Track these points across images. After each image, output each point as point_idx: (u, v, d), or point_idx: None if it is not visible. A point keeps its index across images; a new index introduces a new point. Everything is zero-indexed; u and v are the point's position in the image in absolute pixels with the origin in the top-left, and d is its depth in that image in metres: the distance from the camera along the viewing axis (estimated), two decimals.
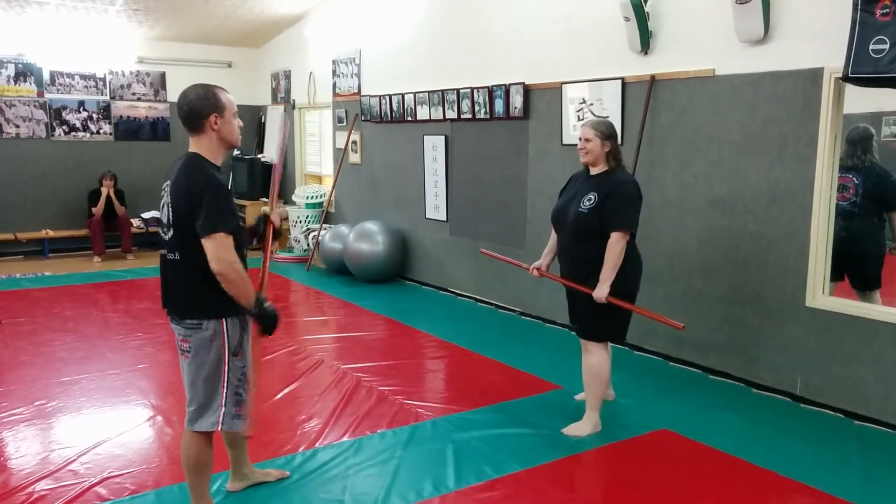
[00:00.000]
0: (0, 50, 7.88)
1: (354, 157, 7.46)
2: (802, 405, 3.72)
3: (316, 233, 7.48)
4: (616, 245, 3.14)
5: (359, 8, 7.18)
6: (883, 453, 3.18)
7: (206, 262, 2.26)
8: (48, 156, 8.28)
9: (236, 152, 9.35)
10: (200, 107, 2.33)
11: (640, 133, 4.39)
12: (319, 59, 7.98)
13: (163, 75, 8.88)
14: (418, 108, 6.33)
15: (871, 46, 3.05)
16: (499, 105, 5.47)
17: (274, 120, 9.16)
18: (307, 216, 7.93)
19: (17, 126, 8.09)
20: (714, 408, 3.69)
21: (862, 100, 3.59)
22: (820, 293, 3.64)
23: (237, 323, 2.39)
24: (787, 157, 3.70)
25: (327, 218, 7.80)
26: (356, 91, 7.31)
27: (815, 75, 3.54)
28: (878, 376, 3.44)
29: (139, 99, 8.77)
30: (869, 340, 3.47)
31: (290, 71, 8.71)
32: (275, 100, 9.09)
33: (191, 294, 2.33)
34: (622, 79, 4.49)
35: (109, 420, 3.50)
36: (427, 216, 6.47)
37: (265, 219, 2.74)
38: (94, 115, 8.53)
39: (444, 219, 6.27)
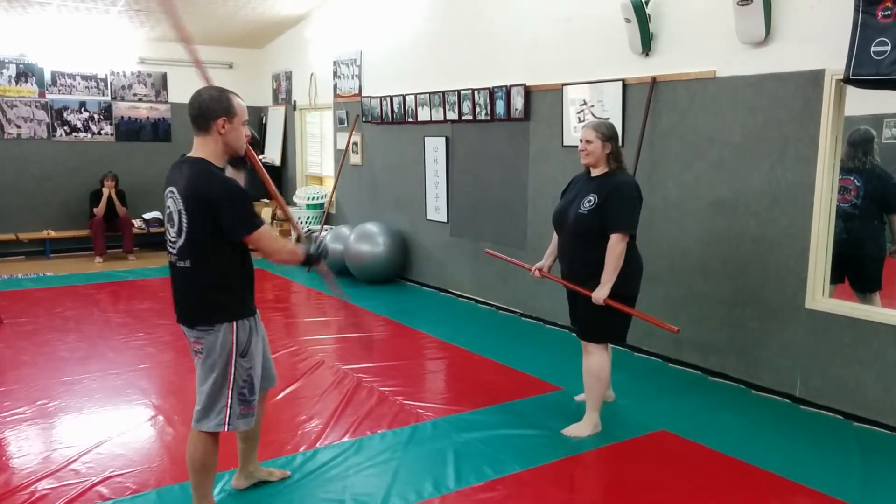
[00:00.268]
0: (1, 50, 7.90)
1: (355, 159, 7.47)
2: (802, 406, 3.73)
3: (317, 234, 7.49)
4: (616, 247, 3.14)
5: (360, 9, 7.19)
6: (882, 455, 3.18)
7: (216, 267, 2.30)
8: (49, 156, 8.29)
9: None
10: (212, 108, 2.32)
11: (640, 135, 4.40)
12: (320, 60, 7.99)
13: (164, 76, 8.89)
14: (419, 109, 6.34)
15: (873, 48, 3.06)
16: (499, 106, 5.48)
17: (274, 120, 9.17)
18: (308, 217, 7.94)
19: (19, 126, 8.10)
20: (714, 409, 3.70)
21: (863, 102, 3.59)
22: (820, 295, 3.64)
23: (246, 325, 2.42)
24: (788, 158, 3.71)
25: (328, 219, 7.82)
26: (357, 92, 7.32)
27: (816, 77, 3.55)
28: (878, 378, 3.44)
29: (140, 100, 8.79)
30: (869, 342, 3.47)
31: (291, 72, 8.72)
32: (276, 101, 9.10)
33: (202, 301, 2.35)
34: (623, 80, 4.50)
35: (111, 420, 3.51)
36: (428, 217, 6.48)
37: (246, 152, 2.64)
38: (96, 116, 8.54)
39: (445, 220, 6.27)
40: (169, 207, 2.35)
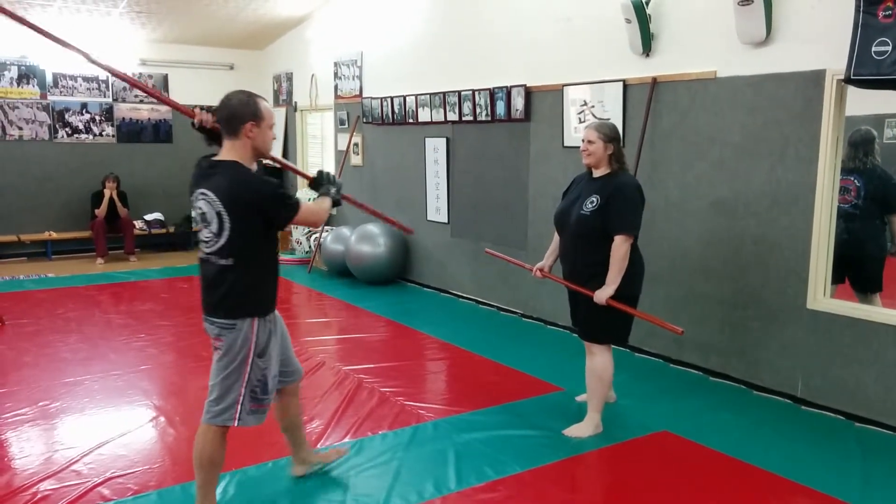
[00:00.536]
0: (3, 52, 7.91)
1: (356, 160, 7.48)
2: (803, 407, 3.72)
3: (317, 235, 7.50)
4: (620, 248, 3.14)
5: (360, 10, 7.20)
6: (883, 455, 3.18)
7: (255, 264, 2.43)
8: (51, 158, 8.30)
9: None
10: (241, 113, 2.40)
11: (641, 135, 4.40)
12: (321, 61, 8.00)
13: (165, 77, 8.90)
14: (420, 110, 6.34)
15: (874, 48, 3.06)
16: (500, 107, 5.48)
17: (276, 121, 9.18)
18: None
19: (20, 128, 8.11)
20: (715, 409, 3.70)
21: (864, 102, 3.59)
22: (821, 295, 3.64)
23: (266, 325, 2.49)
24: (789, 158, 3.71)
25: (329, 220, 7.82)
26: (358, 93, 7.33)
27: (817, 77, 3.54)
28: (879, 378, 3.44)
29: (142, 101, 8.80)
30: (869, 342, 3.47)
31: (291, 73, 8.73)
32: (277, 102, 9.11)
33: (232, 296, 2.42)
34: (623, 81, 4.50)
35: (112, 421, 3.51)
36: (428, 218, 6.48)
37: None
38: (97, 118, 8.55)
39: (446, 221, 6.28)
40: (201, 209, 2.40)
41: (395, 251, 6.61)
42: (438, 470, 2.97)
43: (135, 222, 8.44)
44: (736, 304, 4.01)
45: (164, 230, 8.79)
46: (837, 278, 3.74)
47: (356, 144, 7.44)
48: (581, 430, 3.33)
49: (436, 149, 6.26)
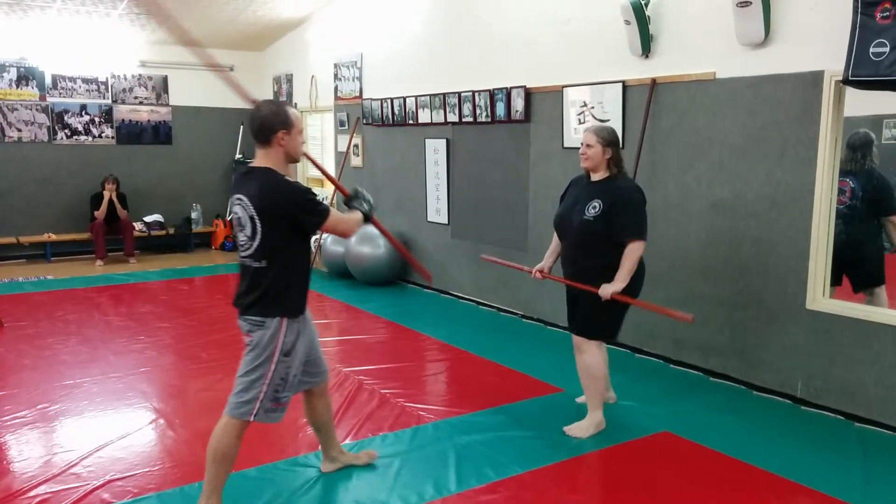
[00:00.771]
0: (2, 54, 7.91)
1: (356, 161, 7.48)
2: (803, 407, 3.72)
3: (318, 236, 7.49)
4: (636, 252, 3.17)
5: (360, 12, 7.20)
6: (883, 455, 3.18)
7: (287, 267, 2.51)
8: (50, 159, 8.30)
9: (238, 155, 9.38)
10: (271, 122, 2.50)
11: (641, 136, 4.40)
12: (321, 62, 8.00)
13: (165, 79, 8.91)
14: (420, 111, 6.35)
15: (872, 49, 3.06)
16: (500, 108, 5.48)
17: None
18: None
19: (20, 130, 8.11)
20: (715, 410, 3.70)
21: (862, 103, 3.59)
22: (820, 295, 3.64)
23: (295, 326, 2.55)
24: (788, 160, 3.71)
25: None
26: (358, 94, 7.33)
27: (815, 78, 3.55)
28: (879, 378, 3.44)
29: (141, 103, 8.80)
30: (869, 342, 3.47)
31: (291, 74, 8.74)
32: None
33: (264, 296, 2.50)
34: (623, 82, 4.50)
35: (112, 423, 3.51)
36: (428, 219, 6.48)
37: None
38: (96, 119, 8.55)
39: (446, 222, 6.28)
40: (237, 213, 2.52)
41: (395, 253, 6.60)
42: (439, 471, 2.97)
43: (134, 224, 8.44)
44: (736, 304, 4.01)
45: (163, 232, 8.79)
46: (835, 280, 3.74)
47: (356, 146, 7.44)
48: (582, 428, 3.33)
49: (436, 150, 6.26)
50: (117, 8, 7.27)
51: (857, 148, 3.79)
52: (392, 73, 6.78)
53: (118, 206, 8.09)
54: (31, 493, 2.79)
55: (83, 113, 8.46)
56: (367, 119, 7.14)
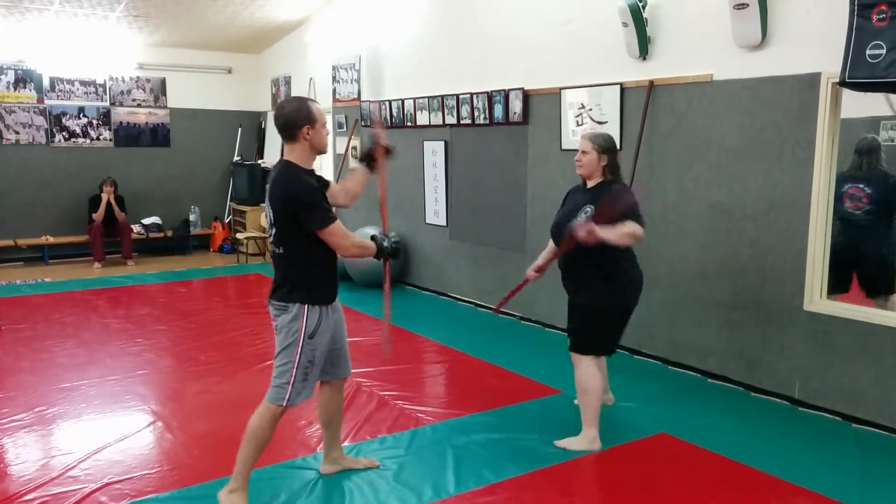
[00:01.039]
0: (0, 56, 7.90)
1: (354, 163, 7.47)
2: (801, 408, 3.73)
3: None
4: (630, 227, 2.99)
5: (359, 14, 7.20)
6: (881, 456, 3.18)
7: (303, 254, 2.59)
8: (48, 162, 8.30)
9: (236, 158, 9.38)
10: (295, 119, 2.58)
11: (638, 138, 4.40)
12: (319, 64, 8.01)
13: (163, 81, 8.91)
14: (418, 113, 6.35)
15: (868, 51, 3.07)
16: (498, 110, 5.49)
17: (273, 125, 9.17)
18: None
19: (17, 132, 8.11)
20: (713, 411, 3.70)
21: (859, 105, 3.60)
22: (818, 297, 3.65)
23: (317, 311, 2.63)
24: (785, 161, 3.72)
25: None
26: (356, 97, 7.33)
27: (812, 80, 3.56)
28: (876, 379, 3.45)
29: (139, 105, 8.80)
30: (866, 343, 3.47)
31: (290, 77, 8.74)
32: (275, 106, 9.12)
33: (286, 280, 2.62)
34: (621, 84, 4.51)
35: (109, 426, 3.50)
36: (427, 221, 6.48)
37: (374, 142, 3.02)
38: (94, 122, 8.55)
39: (444, 224, 6.28)
40: (266, 202, 2.67)
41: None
42: (437, 473, 2.97)
43: (132, 226, 8.43)
44: (733, 306, 4.02)
45: (161, 234, 8.79)
46: (842, 287, 3.72)
47: (354, 148, 7.44)
48: (574, 442, 3.24)
49: (434, 152, 6.27)
50: (115, 10, 7.27)
51: (865, 153, 3.78)
52: (390, 75, 6.78)
53: (116, 208, 8.08)
54: (29, 497, 2.78)
55: (81, 115, 8.46)
56: (366, 121, 7.15)
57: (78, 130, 8.46)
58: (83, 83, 8.43)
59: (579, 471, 3.07)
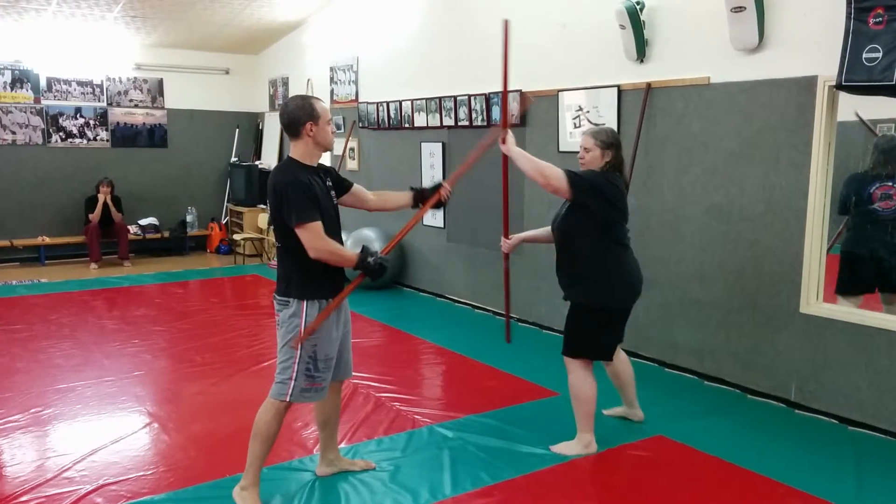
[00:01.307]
0: None
1: (352, 164, 7.48)
2: (797, 411, 3.73)
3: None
4: (545, 164, 3.13)
5: (357, 15, 7.21)
6: (876, 458, 3.19)
7: (299, 248, 2.56)
8: (45, 162, 8.28)
9: (234, 159, 9.37)
10: (298, 116, 2.62)
11: (636, 141, 4.41)
12: (317, 65, 8.01)
13: (160, 82, 8.90)
14: (416, 115, 6.35)
15: (865, 55, 3.08)
16: (496, 112, 5.49)
17: (271, 126, 9.17)
18: None
19: (14, 132, 8.09)
20: (709, 413, 3.70)
21: (856, 107, 3.61)
22: (814, 299, 3.66)
23: (316, 306, 2.63)
24: (782, 164, 3.72)
25: None
26: (354, 98, 7.33)
27: (809, 83, 3.57)
28: (872, 382, 3.45)
29: (136, 105, 8.79)
30: (863, 346, 3.48)
31: (287, 78, 8.73)
32: (272, 107, 9.11)
33: (285, 275, 2.67)
34: (618, 86, 4.52)
35: (105, 427, 3.49)
36: (424, 223, 6.48)
37: (437, 186, 3.07)
38: (91, 122, 8.53)
39: (442, 225, 6.28)
40: None
41: (391, 256, 6.60)
42: (434, 475, 2.97)
43: (129, 227, 8.42)
44: (730, 308, 4.02)
45: (158, 235, 8.77)
46: (867, 287, 3.68)
47: (352, 149, 7.44)
48: (568, 447, 3.21)
49: (432, 153, 6.27)
50: (113, 10, 7.26)
51: (888, 151, 3.76)
52: (388, 76, 6.78)
53: (113, 209, 8.07)
54: (24, 498, 2.77)
55: (78, 116, 8.44)
56: (364, 122, 7.15)
57: (75, 131, 8.45)
58: (80, 83, 8.42)
59: (576, 473, 3.07)
